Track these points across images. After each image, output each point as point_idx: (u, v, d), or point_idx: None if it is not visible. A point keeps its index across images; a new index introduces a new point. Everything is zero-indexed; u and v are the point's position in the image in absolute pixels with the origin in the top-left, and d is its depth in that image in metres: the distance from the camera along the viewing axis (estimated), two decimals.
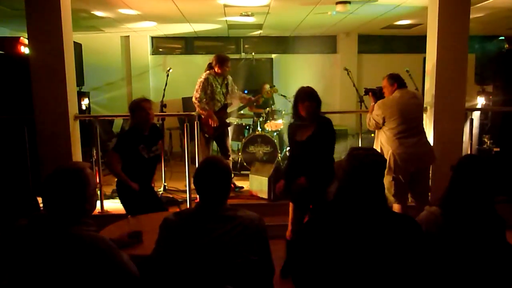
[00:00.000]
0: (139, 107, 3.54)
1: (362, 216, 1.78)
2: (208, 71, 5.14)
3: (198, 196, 2.02)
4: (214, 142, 5.27)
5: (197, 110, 5.01)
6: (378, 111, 3.83)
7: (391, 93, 3.87)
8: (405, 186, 3.83)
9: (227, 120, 5.25)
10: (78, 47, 6.29)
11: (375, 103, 3.96)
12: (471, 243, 1.87)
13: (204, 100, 4.99)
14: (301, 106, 3.30)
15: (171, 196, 5.03)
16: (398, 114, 3.74)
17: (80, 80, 6.24)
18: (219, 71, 5.07)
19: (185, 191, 4.84)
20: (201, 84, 5.02)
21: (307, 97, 3.32)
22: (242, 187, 5.30)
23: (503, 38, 5.35)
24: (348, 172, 1.84)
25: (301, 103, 3.30)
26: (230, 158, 5.44)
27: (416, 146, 3.77)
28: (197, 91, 5.00)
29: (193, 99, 5.03)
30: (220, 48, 9.22)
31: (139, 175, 3.50)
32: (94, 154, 4.63)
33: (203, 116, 4.95)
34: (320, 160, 3.29)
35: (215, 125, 4.98)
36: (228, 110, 5.28)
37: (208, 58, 8.98)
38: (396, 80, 3.88)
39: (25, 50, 4.94)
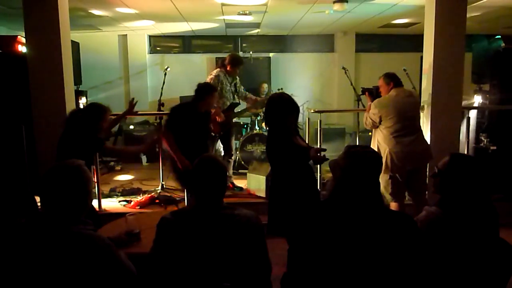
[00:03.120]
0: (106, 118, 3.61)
1: (359, 214, 1.78)
2: (219, 68, 5.12)
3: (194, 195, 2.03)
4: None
5: None
6: (375, 110, 3.84)
7: (387, 92, 3.89)
8: (402, 185, 3.84)
9: (234, 120, 5.24)
10: (75, 46, 6.28)
11: (371, 102, 3.98)
12: (472, 241, 1.89)
13: None
14: (291, 117, 3.02)
15: (169, 195, 5.04)
16: (394, 112, 3.75)
17: (77, 79, 6.23)
18: (231, 71, 5.07)
19: (183, 190, 4.84)
20: (212, 80, 5.00)
21: (295, 109, 3.06)
22: (242, 188, 5.30)
23: (499, 37, 5.36)
24: (345, 170, 1.84)
25: (290, 115, 3.02)
26: (232, 158, 5.44)
27: (413, 145, 3.79)
28: None
29: None
30: (218, 47, 9.23)
31: None
32: None
33: (212, 116, 4.94)
34: None
35: (221, 121, 4.96)
36: (236, 110, 5.26)
37: (206, 57, 9.04)
38: (392, 79, 3.89)
39: (22, 49, 4.92)
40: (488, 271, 1.89)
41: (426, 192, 4.06)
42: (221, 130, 5.05)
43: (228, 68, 5.08)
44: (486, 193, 2.00)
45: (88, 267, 1.68)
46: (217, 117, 4.90)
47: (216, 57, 8.75)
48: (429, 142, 4.22)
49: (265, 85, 7.64)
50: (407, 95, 3.88)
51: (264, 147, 6.06)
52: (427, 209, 2.07)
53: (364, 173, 1.81)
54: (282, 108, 3.02)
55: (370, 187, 1.82)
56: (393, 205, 3.85)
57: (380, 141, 3.86)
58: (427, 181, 4.06)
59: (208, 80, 5.04)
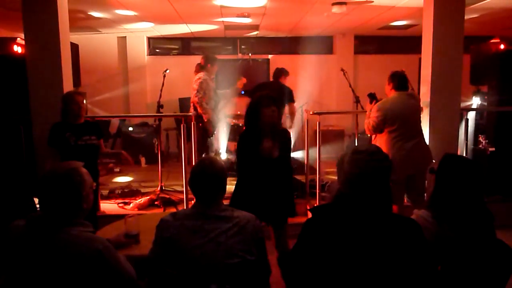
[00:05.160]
0: (73, 101, 3.71)
1: (363, 220, 1.71)
2: (202, 72, 5.17)
3: (194, 197, 2.03)
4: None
5: (200, 111, 5.05)
6: (378, 112, 3.77)
7: (389, 92, 3.86)
8: (402, 188, 3.83)
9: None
10: (74, 47, 6.27)
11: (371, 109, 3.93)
12: (465, 243, 1.87)
13: (205, 101, 5.04)
14: (264, 112, 2.92)
15: (168, 196, 5.03)
16: (397, 116, 3.71)
17: (76, 81, 6.22)
18: (213, 68, 5.17)
19: (182, 192, 4.84)
20: (201, 85, 5.04)
21: (272, 101, 2.95)
22: None
23: (498, 38, 5.38)
24: (349, 178, 1.75)
25: (265, 108, 2.92)
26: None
27: (415, 149, 3.75)
28: (199, 92, 5.03)
29: (196, 99, 5.06)
30: (217, 49, 9.23)
31: None
32: None
33: (205, 119, 5.00)
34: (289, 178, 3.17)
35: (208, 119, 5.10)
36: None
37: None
38: (393, 80, 3.84)
39: (21, 50, 4.93)
40: (484, 274, 1.86)
41: (425, 195, 4.05)
42: (213, 130, 5.16)
43: (209, 67, 5.19)
44: (479, 195, 1.94)
45: (87, 269, 1.68)
46: (204, 116, 5.00)
47: None
48: (427, 144, 4.22)
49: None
50: (408, 98, 3.84)
51: None
52: (416, 213, 2.05)
53: (369, 183, 1.72)
54: (255, 101, 3.03)
55: (376, 195, 1.73)
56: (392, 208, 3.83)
57: (382, 145, 3.82)
58: (426, 184, 4.05)
59: (197, 84, 5.09)
